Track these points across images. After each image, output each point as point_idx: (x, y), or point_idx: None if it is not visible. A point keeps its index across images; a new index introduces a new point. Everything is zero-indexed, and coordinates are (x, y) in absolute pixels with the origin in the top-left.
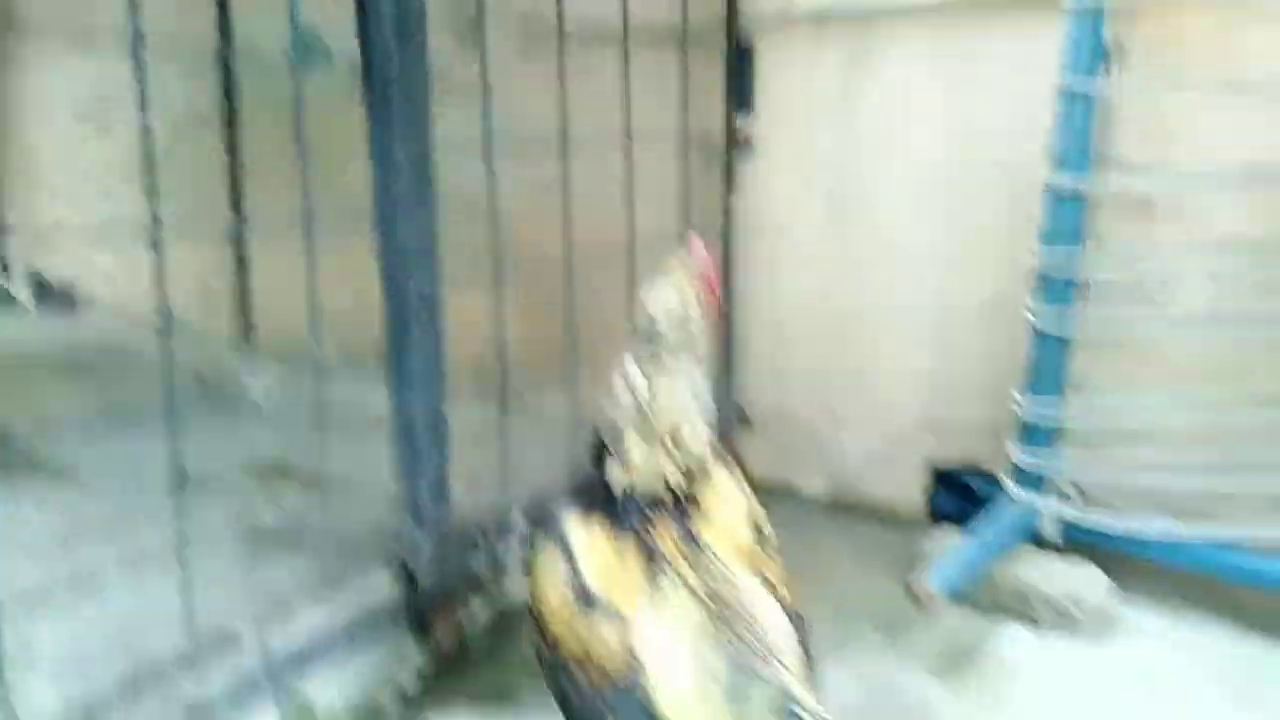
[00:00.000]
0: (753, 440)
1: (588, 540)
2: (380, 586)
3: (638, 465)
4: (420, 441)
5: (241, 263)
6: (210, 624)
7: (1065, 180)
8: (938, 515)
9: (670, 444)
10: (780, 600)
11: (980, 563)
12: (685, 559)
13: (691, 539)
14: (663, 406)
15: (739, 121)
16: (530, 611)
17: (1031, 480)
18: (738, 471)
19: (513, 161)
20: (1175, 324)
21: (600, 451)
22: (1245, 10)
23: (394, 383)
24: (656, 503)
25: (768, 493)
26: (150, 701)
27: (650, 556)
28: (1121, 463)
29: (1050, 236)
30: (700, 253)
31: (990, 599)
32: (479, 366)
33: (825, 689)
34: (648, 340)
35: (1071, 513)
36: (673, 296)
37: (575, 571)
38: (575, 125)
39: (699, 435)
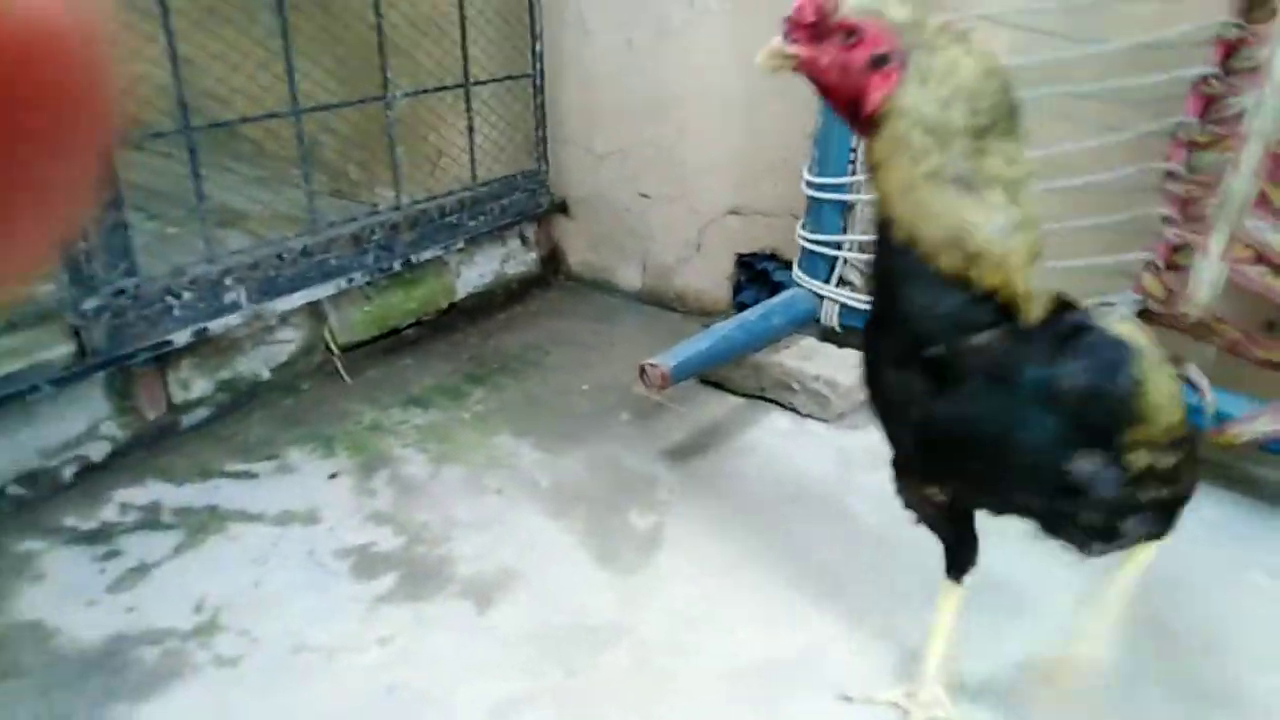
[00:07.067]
0: (572, 229)
1: None
2: (50, 350)
3: None
4: None
5: None
6: None
7: None
8: (743, 306)
9: None
10: None
11: (736, 347)
12: None
13: None
14: None
15: None
16: None
17: (815, 264)
18: None
19: None
20: None
21: None
22: None
23: None
24: None
25: (588, 284)
26: None
27: None
28: None
29: None
30: None
31: (756, 385)
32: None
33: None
34: None
35: (847, 298)
36: None
37: None
38: None
39: None
